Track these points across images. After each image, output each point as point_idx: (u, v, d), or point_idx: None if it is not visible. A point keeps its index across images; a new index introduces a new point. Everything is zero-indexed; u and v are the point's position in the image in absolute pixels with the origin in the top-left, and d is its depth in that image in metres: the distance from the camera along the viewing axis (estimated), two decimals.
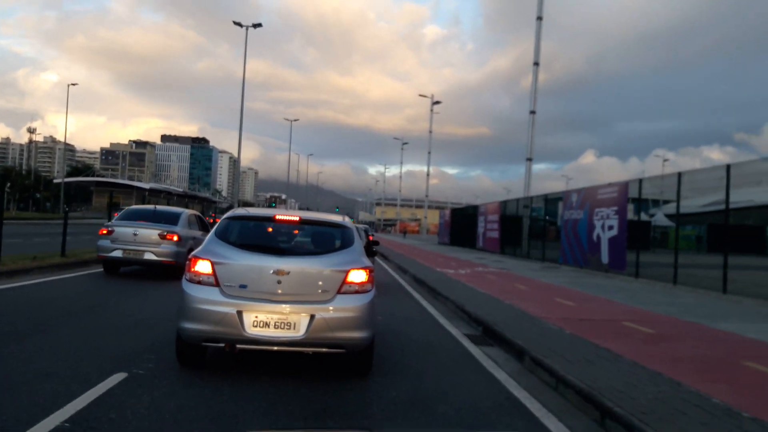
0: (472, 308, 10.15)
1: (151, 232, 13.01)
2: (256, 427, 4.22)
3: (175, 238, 13.08)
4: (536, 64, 35.98)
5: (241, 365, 5.96)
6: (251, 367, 5.90)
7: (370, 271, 5.67)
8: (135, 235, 12.96)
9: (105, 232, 13.11)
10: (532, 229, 30.56)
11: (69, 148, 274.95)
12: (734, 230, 30.60)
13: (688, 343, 7.97)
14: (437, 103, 66.59)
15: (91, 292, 10.67)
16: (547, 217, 28.97)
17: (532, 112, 35.73)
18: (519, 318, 9.38)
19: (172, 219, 13.73)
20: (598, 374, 5.85)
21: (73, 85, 73.77)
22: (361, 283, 5.52)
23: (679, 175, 17.38)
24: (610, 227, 20.94)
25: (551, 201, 28.13)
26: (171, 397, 4.85)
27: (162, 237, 12.98)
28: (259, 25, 43.55)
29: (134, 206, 16.03)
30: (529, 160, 36.31)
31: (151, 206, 15.21)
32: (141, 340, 6.81)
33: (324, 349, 5.37)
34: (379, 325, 8.76)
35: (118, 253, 12.92)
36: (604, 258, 21.19)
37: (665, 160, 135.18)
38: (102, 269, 13.67)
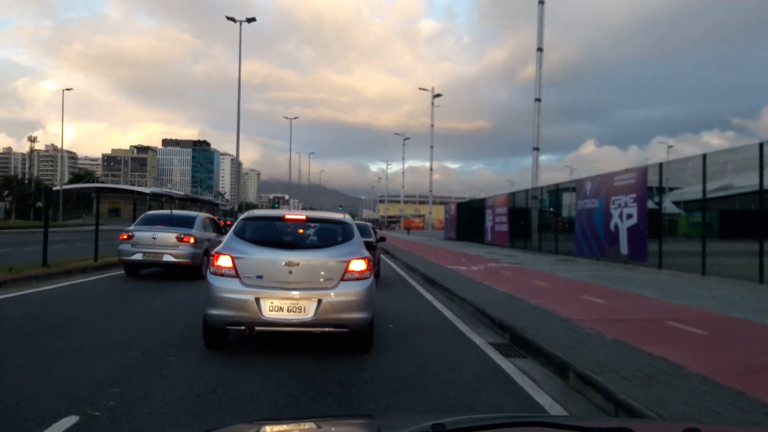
0: (494, 310, 9.02)
1: (168, 236, 13.64)
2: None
3: (192, 240, 13.73)
4: (540, 49, 34.72)
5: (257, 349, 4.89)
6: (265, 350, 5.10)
7: (369, 261, 6.45)
8: (154, 238, 13.60)
9: (125, 237, 13.76)
10: (542, 220, 29.38)
11: (71, 156, 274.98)
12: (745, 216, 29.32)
13: (754, 347, 6.82)
14: (438, 96, 65.22)
15: (60, 308, 9.53)
16: (558, 208, 27.80)
17: (538, 100, 34.50)
18: (548, 321, 8.24)
19: (188, 222, 14.45)
20: (668, 396, 4.71)
21: (68, 90, 72.37)
22: (361, 271, 6.28)
23: (704, 157, 16.21)
24: (629, 216, 19.76)
25: (563, 191, 26.95)
26: None
27: (179, 239, 13.64)
28: (253, 19, 42.31)
29: (151, 211, 16.79)
30: (536, 149, 35.10)
31: (167, 211, 15.94)
32: (105, 368, 5.69)
33: (330, 329, 6.12)
34: (391, 334, 7.65)
35: (138, 256, 13.59)
36: (623, 249, 20.02)
37: (669, 147, 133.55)
38: (81, 279, 13.04)
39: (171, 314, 8.91)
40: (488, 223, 37.25)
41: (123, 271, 14.47)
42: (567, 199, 27.16)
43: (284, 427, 2.04)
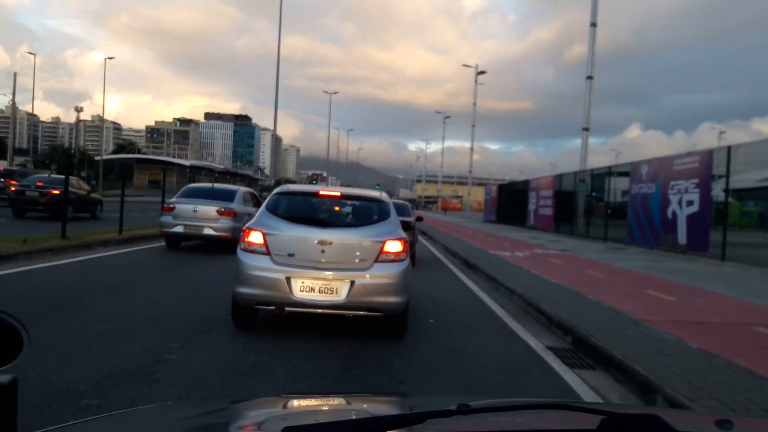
0: (549, 306, 7.88)
1: (209, 209, 13.68)
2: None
3: (232, 213, 13.72)
4: (593, 24, 32.77)
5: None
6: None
7: (405, 242, 6.10)
8: (195, 211, 13.63)
9: (168, 209, 13.85)
10: (590, 205, 27.80)
11: (116, 127, 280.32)
12: None
13: None
14: (482, 73, 63.24)
15: (62, 289, 8.78)
16: (608, 193, 26.21)
17: (589, 78, 32.64)
18: (617, 322, 7.08)
19: (228, 196, 14.44)
20: None
21: (110, 59, 72.89)
22: (397, 253, 5.94)
23: None
24: (689, 203, 18.21)
25: (614, 174, 25.32)
26: None
27: (220, 213, 13.68)
28: None
29: (193, 184, 16.87)
30: (586, 130, 33.33)
31: (209, 184, 15.98)
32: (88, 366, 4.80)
33: (363, 312, 5.83)
34: (430, 331, 6.60)
35: (179, 229, 13.63)
36: (682, 238, 18.50)
37: (721, 132, 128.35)
38: (100, 254, 12.18)
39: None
40: (531, 206, 35.74)
41: (142, 247, 14.09)
42: (618, 183, 25.55)
43: (313, 401, 1.95)
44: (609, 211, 25.62)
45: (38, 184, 20.13)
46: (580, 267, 13.70)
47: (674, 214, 19.10)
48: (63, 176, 16.85)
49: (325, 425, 1.12)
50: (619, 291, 9.85)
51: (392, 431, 1.10)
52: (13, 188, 20.58)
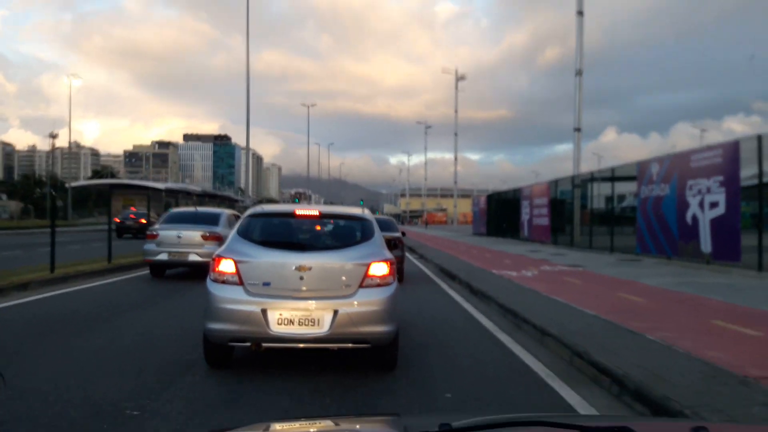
0: (607, 357, 5.53)
1: (194, 234, 13.32)
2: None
3: (218, 238, 13.07)
4: (580, 13, 30.57)
5: None
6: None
7: (392, 264, 5.61)
8: (179, 237, 13.26)
9: (151, 236, 13.48)
10: (593, 212, 25.65)
11: (93, 153, 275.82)
12: None
13: None
14: (462, 79, 61.40)
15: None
16: (610, 198, 24.10)
17: (579, 73, 30.49)
18: (715, 382, 4.77)
19: (213, 220, 14.14)
20: None
21: (74, 75, 70.39)
22: (383, 276, 5.46)
23: None
24: (713, 204, 16.05)
25: (616, 177, 23.20)
26: None
27: (205, 238, 13.28)
28: None
29: (177, 209, 16.58)
30: (578, 130, 31.09)
31: (192, 208, 15.88)
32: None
33: (349, 345, 5.34)
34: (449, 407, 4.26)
35: (164, 256, 13.24)
36: (705, 245, 16.32)
37: (703, 131, 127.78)
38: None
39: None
40: (525, 216, 33.55)
41: (135, 274, 14.03)
42: (622, 187, 23.45)
43: (298, 426, 1.84)
44: (612, 218, 23.48)
45: None
46: (605, 288, 11.41)
47: (695, 218, 16.94)
48: None
49: None
50: (678, 323, 7.54)
51: None
52: None
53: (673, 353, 5.79)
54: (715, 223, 15.96)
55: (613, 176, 23.08)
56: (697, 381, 4.83)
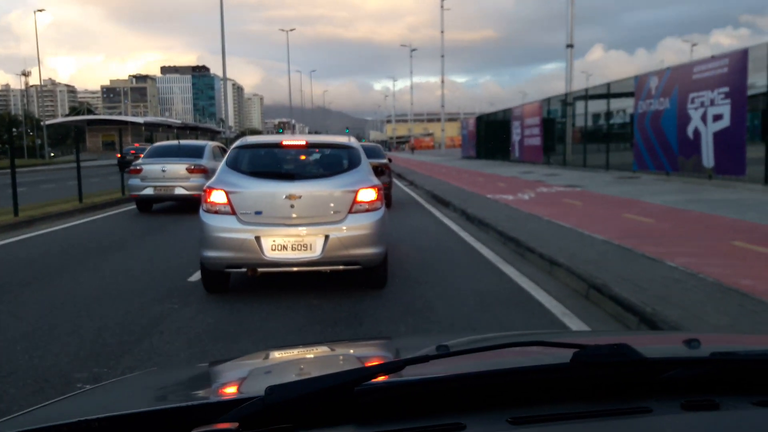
0: (628, 291, 4.87)
1: (178, 167, 13.09)
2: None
3: (203, 170, 12.98)
4: None
5: None
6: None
7: (379, 190, 5.74)
8: (163, 171, 13.04)
9: (134, 171, 13.22)
10: (587, 130, 24.82)
11: (70, 90, 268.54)
12: None
13: None
14: None
15: None
16: (605, 114, 23.22)
17: None
18: (756, 316, 4.14)
19: (197, 152, 13.87)
20: None
21: (40, 10, 66.66)
22: (371, 202, 5.59)
23: None
24: (717, 117, 15.28)
25: (612, 93, 22.24)
26: None
27: (190, 171, 13.10)
28: None
29: (159, 143, 16.39)
30: (570, 46, 29.86)
31: (175, 142, 15.52)
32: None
33: (341, 267, 5.51)
34: None
35: (149, 191, 13.06)
36: (708, 160, 15.67)
37: (693, 45, 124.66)
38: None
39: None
40: (516, 138, 32.70)
41: (108, 213, 13.63)
42: (618, 103, 22.54)
43: (296, 353, 1.82)
44: (607, 135, 22.69)
45: None
46: (610, 209, 10.75)
47: (696, 132, 16.20)
48: None
49: (306, 381, 1.02)
50: (697, 246, 6.90)
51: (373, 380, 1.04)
52: None
53: (701, 283, 5.14)
54: (719, 136, 15.23)
55: (608, 93, 22.11)
56: (743, 319, 4.18)
